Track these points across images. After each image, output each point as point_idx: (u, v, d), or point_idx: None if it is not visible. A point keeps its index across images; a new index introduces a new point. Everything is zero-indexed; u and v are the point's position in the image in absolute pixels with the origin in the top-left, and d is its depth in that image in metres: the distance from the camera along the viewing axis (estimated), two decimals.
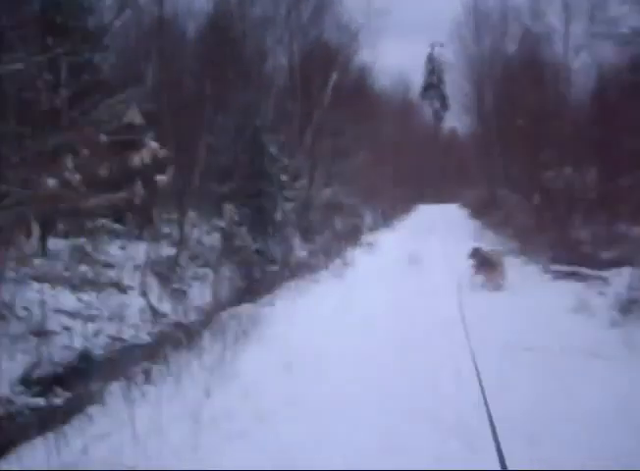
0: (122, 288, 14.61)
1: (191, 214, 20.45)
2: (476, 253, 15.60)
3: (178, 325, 12.30)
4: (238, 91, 23.60)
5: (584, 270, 14.93)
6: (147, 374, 7.48)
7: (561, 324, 10.73)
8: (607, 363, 8.32)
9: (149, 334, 12.47)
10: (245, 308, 10.91)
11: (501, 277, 15.18)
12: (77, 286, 13.37)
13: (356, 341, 9.78)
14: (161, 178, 12.23)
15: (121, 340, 12.49)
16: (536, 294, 13.59)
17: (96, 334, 12.09)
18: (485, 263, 15.26)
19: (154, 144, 10.29)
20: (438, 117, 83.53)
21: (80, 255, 15.00)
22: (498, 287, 14.92)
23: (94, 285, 13.74)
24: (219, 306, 12.80)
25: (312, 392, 7.43)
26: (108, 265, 15.43)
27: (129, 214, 21.44)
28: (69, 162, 11.85)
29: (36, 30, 14.22)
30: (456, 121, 62.34)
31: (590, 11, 27.13)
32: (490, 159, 36.98)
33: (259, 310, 11.50)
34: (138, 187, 11.07)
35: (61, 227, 19.17)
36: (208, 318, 10.92)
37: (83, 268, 14.38)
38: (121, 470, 5.35)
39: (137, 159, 10.23)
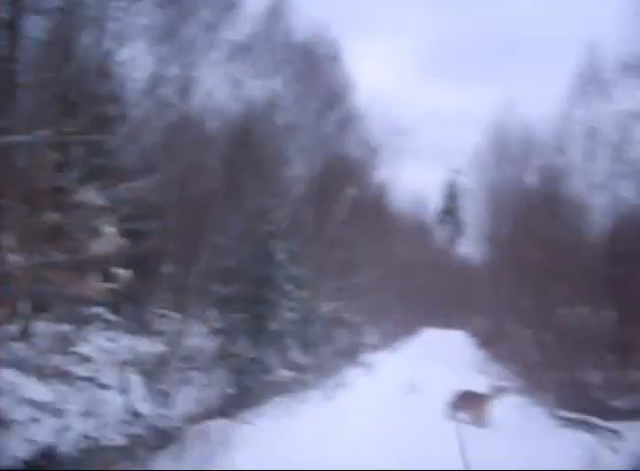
0: (101, 384, 13.80)
1: (188, 313, 19.80)
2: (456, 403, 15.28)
3: (155, 430, 11.42)
4: (252, 194, 23.32)
5: (594, 419, 13.64)
6: None
7: None
8: None
9: (122, 435, 11.55)
10: (222, 424, 10.02)
11: (484, 413, 14.62)
12: (52, 376, 12.55)
13: None
14: (121, 272, 11.45)
15: (91, 438, 11.66)
16: (538, 444, 12.27)
17: (65, 429, 11.26)
18: (468, 399, 14.90)
19: (111, 230, 9.70)
20: (452, 242, 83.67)
21: (62, 343, 14.22)
22: (481, 423, 14.16)
23: (71, 377, 12.94)
24: (200, 415, 11.96)
25: None
26: (89, 357, 14.62)
27: (126, 305, 20.89)
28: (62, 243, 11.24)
29: (53, 110, 14.01)
30: (470, 247, 62.25)
31: (612, 151, 27.17)
32: (501, 289, 36.36)
33: (237, 428, 10.49)
34: (96, 279, 10.27)
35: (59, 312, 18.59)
36: (184, 428, 10.04)
37: (62, 357, 13.58)
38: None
39: (95, 247, 9.60)
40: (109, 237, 9.73)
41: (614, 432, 12.28)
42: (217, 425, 10.09)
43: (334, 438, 11.20)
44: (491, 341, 35.09)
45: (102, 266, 11.25)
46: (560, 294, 19.52)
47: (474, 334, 48.93)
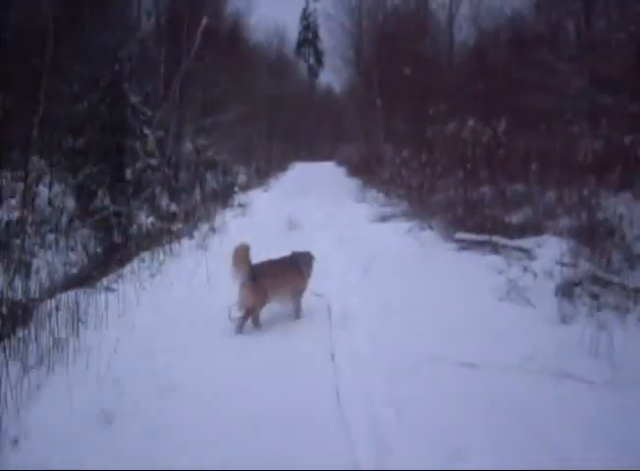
0: None
1: (39, 171, 17.92)
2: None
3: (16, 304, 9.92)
4: (95, 33, 20.97)
5: (498, 239, 11.93)
6: None
7: (493, 318, 8.20)
8: (590, 390, 6.16)
9: None
10: (79, 296, 8.64)
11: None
12: None
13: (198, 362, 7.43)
14: None
15: None
16: (443, 273, 10.85)
17: None
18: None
19: None
20: (313, 73, 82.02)
21: None
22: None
23: None
24: (60, 285, 10.52)
25: None
26: None
27: None
28: None
29: None
30: (333, 77, 61.07)
31: None
32: (370, 113, 35.36)
33: (95, 297, 9.09)
34: None
35: None
36: (37, 303, 8.63)
37: None
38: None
39: None
40: None
41: (523, 250, 11.10)
42: (73, 297, 8.63)
43: (202, 297, 9.87)
44: (364, 168, 34.23)
45: None
46: (434, 112, 18.52)
47: (344, 163, 48.08)
